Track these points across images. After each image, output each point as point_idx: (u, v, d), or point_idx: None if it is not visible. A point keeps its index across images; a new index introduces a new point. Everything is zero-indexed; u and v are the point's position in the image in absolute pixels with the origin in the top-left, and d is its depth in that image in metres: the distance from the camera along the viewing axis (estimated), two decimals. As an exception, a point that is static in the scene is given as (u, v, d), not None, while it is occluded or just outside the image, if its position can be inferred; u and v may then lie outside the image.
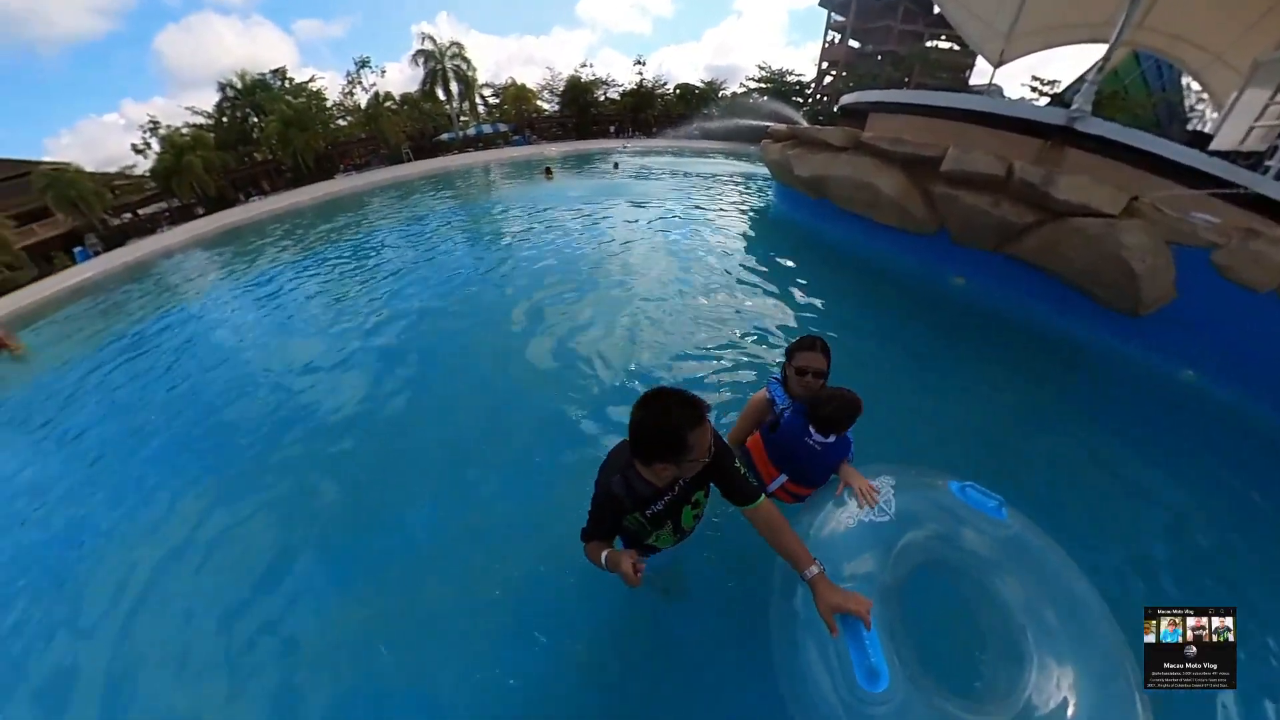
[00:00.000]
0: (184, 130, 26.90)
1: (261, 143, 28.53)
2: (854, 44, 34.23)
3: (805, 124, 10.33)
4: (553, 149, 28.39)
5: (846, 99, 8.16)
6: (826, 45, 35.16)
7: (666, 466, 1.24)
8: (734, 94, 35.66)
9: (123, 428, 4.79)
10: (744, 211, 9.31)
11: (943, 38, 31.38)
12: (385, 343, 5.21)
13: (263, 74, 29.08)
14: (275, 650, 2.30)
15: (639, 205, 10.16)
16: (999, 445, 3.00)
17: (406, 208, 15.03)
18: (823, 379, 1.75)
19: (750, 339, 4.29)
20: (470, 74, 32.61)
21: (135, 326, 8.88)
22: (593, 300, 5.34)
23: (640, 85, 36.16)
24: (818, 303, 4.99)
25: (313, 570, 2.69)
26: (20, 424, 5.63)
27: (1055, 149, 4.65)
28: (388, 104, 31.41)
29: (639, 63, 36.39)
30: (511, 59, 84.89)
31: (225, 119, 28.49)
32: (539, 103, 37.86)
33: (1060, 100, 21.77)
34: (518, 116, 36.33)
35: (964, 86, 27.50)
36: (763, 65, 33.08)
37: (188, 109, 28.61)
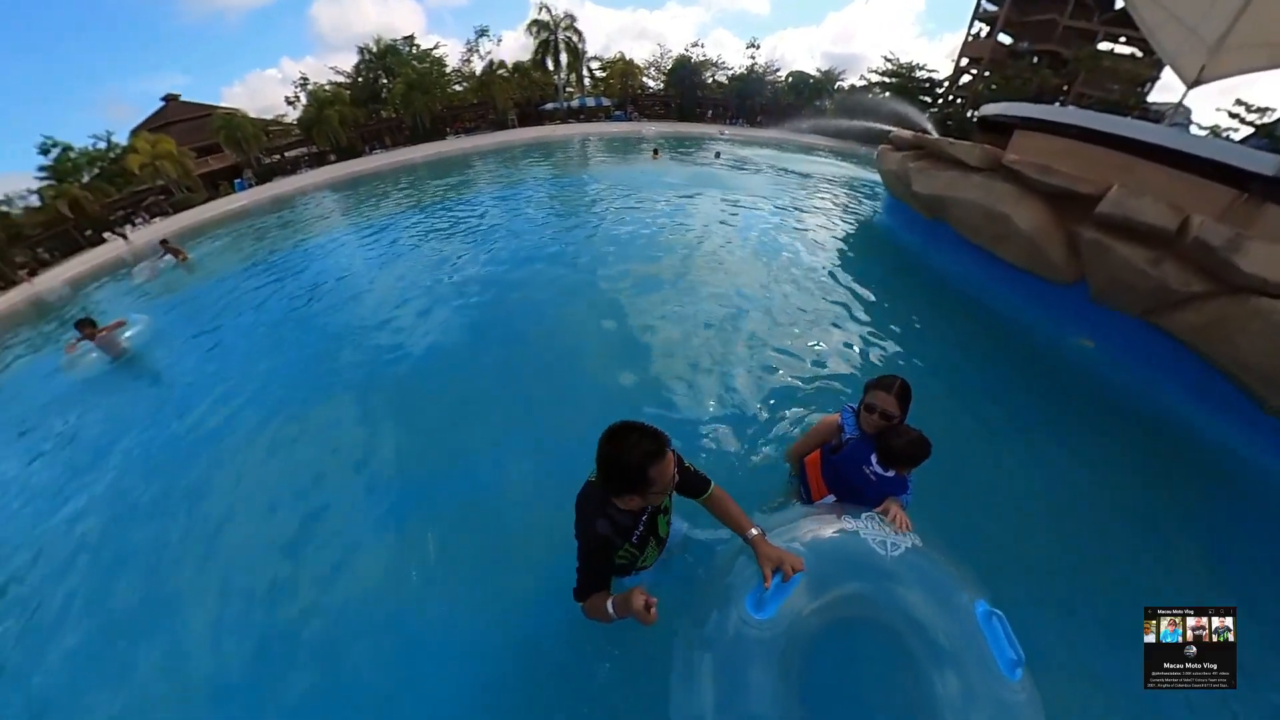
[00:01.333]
0: (327, 87, 30.21)
1: (388, 102, 31.21)
2: (1004, 39, 30.10)
3: (934, 132, 9.41)
4: (651, 128, 28.23)
5: (989, 109, 7.28)
6: (970, 39, 31.21)
7: (633, 498, 1.31)
8: (852, 87, 33.17)
9: (253, 333, 6.05)
10: (845, 221, 8.74)
11: (1122, 40, 26.75)
12: (473, 300, 5.72)
13: (394, 40, 31.72)
14: (324, 541, 2.84)
15: (734, 199, 9.88)
16: (1088, 554, 2.56)
17: (508, 173, 15.83)
18: (889, 422, 1.74)
19: (825, 362, 4.10)
20: (580, 46, 33.20)
21: (272, 250, 10.66)
22: (671, 292, 5.38)
23: (750, 70, 34.75)
24: (910, 337, 4.62)
25: (374, 481, 3.25)
26: (184, 322, 7.07)
27: (1251, 204, 3.86)
28: (500, 72, 32.84)
29: (752, 46, 34.92)
30: (623, 31, 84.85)
31: (360, 79, 31.52)
32: (644, 79, 37.67)
33: (1270, 135, 17.82)
34: (621, 92, 36.42)
35: (1141, 104, 23.32)
36: (889, 57, 30.26)
37: (332, 68, 32.00)
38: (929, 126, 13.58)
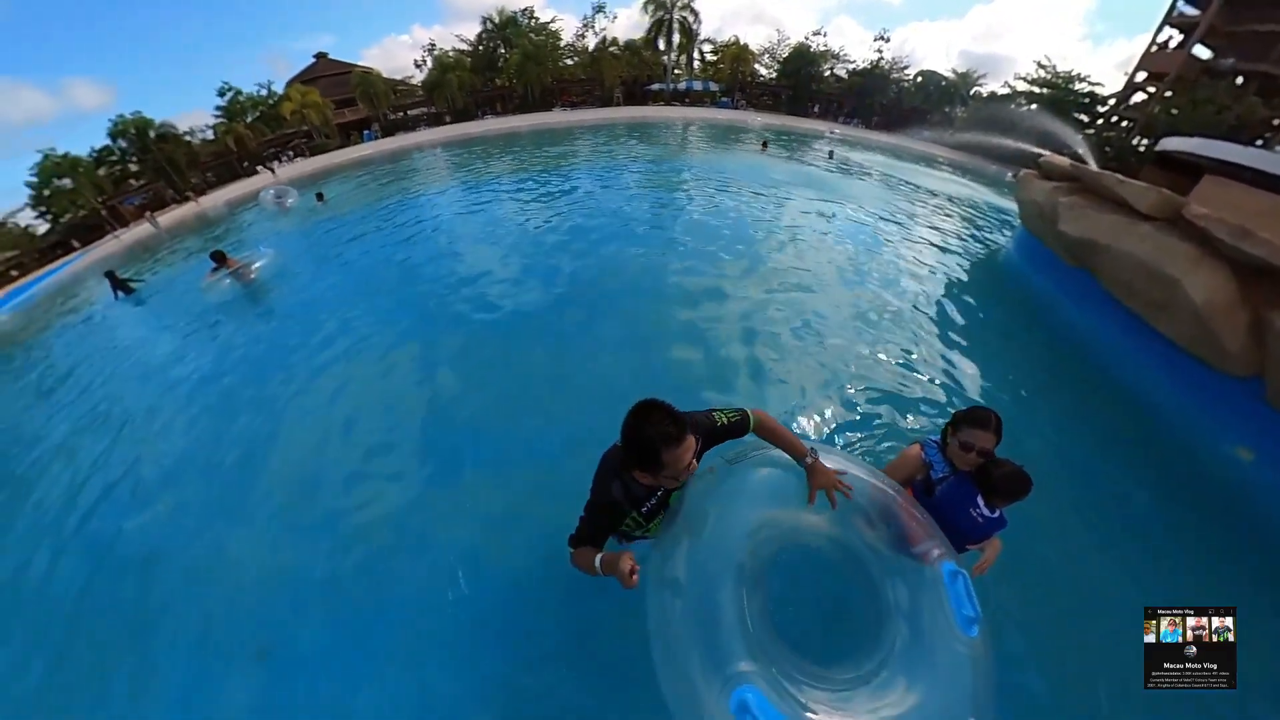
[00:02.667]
0: (450, 53, 32.23)
1: (503, 71, 32.62)
2: (1201, 52, 25.06)
3: (1091, 160, 8.19)
4: (758, 119, 27.16)
5: (1174, 144, 6.16)
6: (1154, 48, 26.40)
7: (648, 475, 1.32)
8: (991, 95, 29.63)
9: (361, 271, 7.09)
10: (961, 248, 7.87)
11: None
12: (556, 266, 6.05)
13: (514, 12, 32.94)
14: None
15: (838, 205, 9.29)
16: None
17: (608, 149, 16.04)
18: (986, 459, 1.67)
19: (908, 396, 3.76)
20: (694, 27, 32.51)
21: (387, 197, 12.15)
22: (753, 292, 5.21)
23: (875, 65, 32.11)
24: (1019, 393, 4.09)
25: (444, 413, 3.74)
26: (306, 255, 8.39)
27: None
28: (611, 49, 33.02)
29: (880, 38, 32.12)
30: (739, 14, 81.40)
31: (481, 48, 33.26)
32: (756, 66, 36.16)
33: None
34: (731, 78, 35.26)
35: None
36: (1044, 63, 26.55)
37: (457, 36, 34.17)
38: (1084, 151, 11.81)
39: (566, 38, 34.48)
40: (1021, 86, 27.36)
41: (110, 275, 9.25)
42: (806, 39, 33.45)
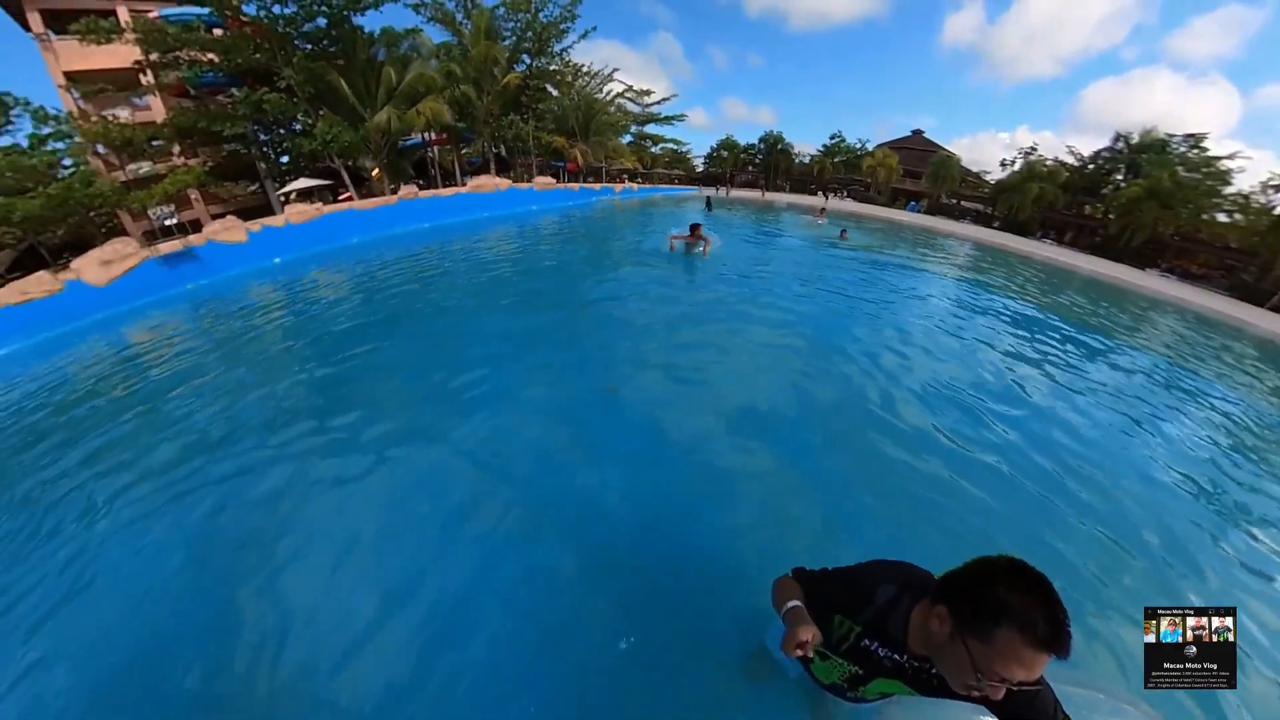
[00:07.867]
0: (1048, 162, 28.89)
1: (1105, 200, 27.01)
2: None
3: None
4: None
5: None
6: None
7: (948, 624, 0.90)
8: None
9: (828, 296, 8.57)
10: None
11: None
12: (989, 439, 4.47)
13: (1170, 135, 25.27)
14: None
15: None
16: None
17: (1196, 351, 9.99)
18: None
19: None
20: None
21: (896, 259, 14.10)
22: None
23: None
24: None
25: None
26: (810, 260, 11.53)
27: None
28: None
29: None
30: None
31: (1090, 167, 28.29)
32: None
33: None
34: None
35: None
36: None
37: (1068, 148, 29.70)
38: None
39: (1242, 185, 23.11)
40: None
41: (707, 199, 20.24)
42: None
